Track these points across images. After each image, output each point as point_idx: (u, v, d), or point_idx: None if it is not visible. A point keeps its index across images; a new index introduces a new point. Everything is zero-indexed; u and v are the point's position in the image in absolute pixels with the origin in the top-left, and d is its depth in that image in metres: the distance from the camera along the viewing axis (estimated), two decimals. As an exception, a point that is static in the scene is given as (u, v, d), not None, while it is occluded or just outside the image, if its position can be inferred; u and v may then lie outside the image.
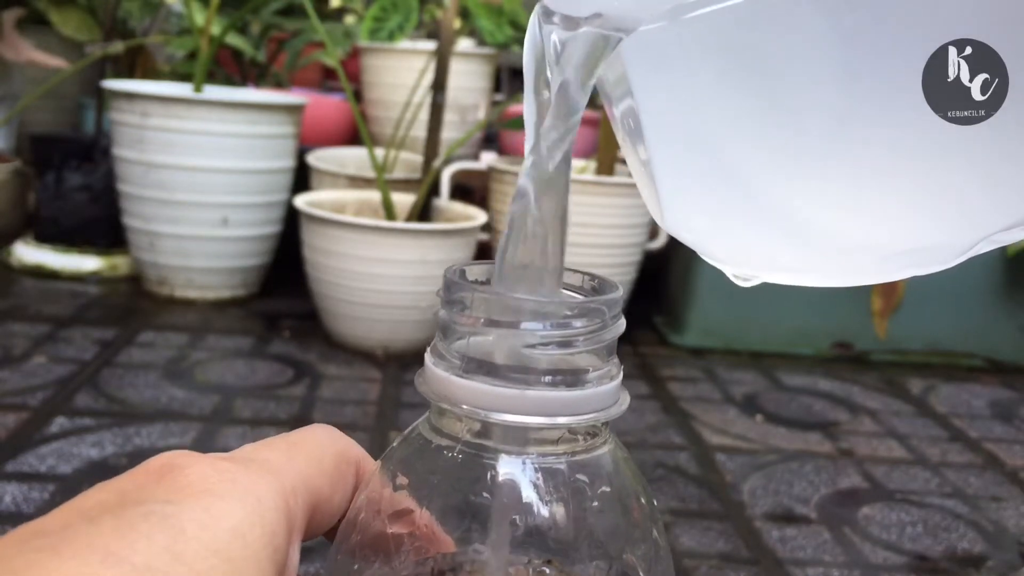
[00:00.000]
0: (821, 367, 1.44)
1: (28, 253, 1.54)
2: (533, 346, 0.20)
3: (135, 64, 1.74)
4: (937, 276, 1.49)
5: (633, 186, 1.38)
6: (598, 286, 0.22)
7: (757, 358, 1.45)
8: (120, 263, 1.55)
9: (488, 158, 1.50)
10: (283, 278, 1.53)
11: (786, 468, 1.06)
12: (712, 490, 0.99)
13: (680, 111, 0.20)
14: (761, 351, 1.47)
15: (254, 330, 1.36)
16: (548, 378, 0.20)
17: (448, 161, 1.42)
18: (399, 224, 1.26)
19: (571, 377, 0.20)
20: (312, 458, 0.21)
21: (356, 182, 1.50)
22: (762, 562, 0.86)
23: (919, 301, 1.47)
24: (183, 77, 1.70)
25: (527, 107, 0.21)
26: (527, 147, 0.21)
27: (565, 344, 0.20)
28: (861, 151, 0.20)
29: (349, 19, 2.17)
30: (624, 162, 1.52)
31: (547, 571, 0.20)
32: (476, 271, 0.22)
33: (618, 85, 0.21)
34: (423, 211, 1.35)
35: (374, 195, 1.40)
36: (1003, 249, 1.45)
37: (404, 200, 1.39)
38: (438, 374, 0.20)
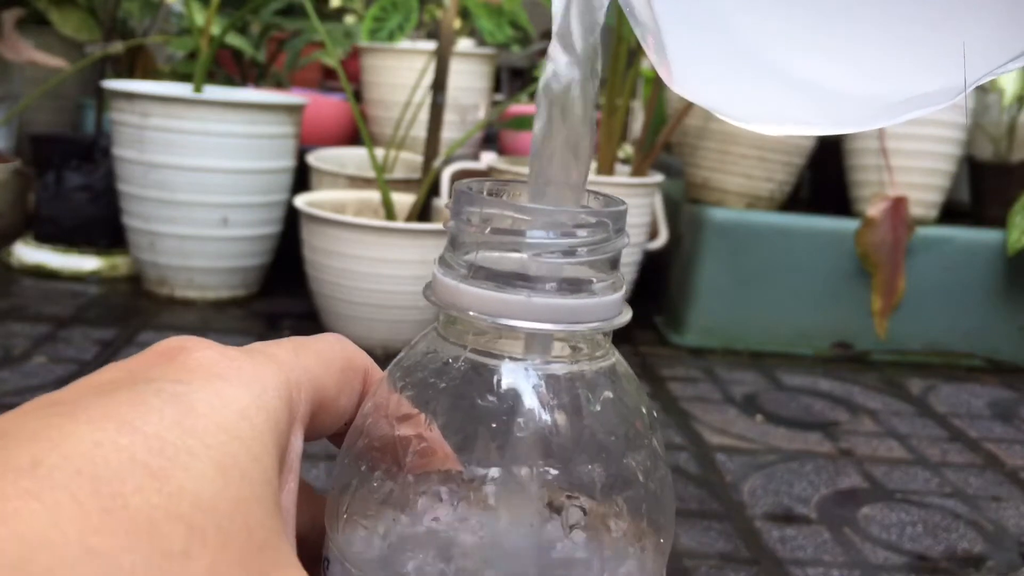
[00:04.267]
0: (821, 367, 1.44)
1: (28, 253, 1.54)
2: (538, 254, 0.20)
3: (135, 64, 1.74)
4: (937, 276, 1.48)
5: (633, 186, 1.38)
6: (603, 202, 0.23)
7: (757, 358, 1.45)
8: (120, 263, 1.55)
9: (488, 158, 1.50)
10: (283, 278, 1.53)
11: (786, 468, 1.06)
12: (712, 490, 0.99)
13: None
14: (761, 351, 1.47)
15: (254, 330, 1.36)
16: (552, 285, 0.20)
17: (448, 161, 1.42)
18: (399, 224, 1.26)
19: (575, 286, 0.21)
20: (319, 358, 0.22)
21: (356, 182, 1.50)
22: (762, 562, 0.86)
23: (919, 301, 1.47)
24: (183, 77, 1.70)
25: None
26: (554, 26, 0.21)
27: (569, 253, 0.20)
28: (867, 7, 0.20)
29: (349, 19, 2.17)
30: (624, 162, 1.52)
31: (550, 473, 0.21)
32: (485, 184, 0.22)
33: None
34: (423, 211, 1.35)
35: (374, 195, 1.40)
36: (1003, 249, 1.45)
37: (404, 200, 1.39)
38: (445, 282, 0.21)
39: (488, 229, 0.21)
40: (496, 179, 0.23)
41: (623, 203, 0.22)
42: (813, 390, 1.34)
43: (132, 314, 1.39)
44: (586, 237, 0.21)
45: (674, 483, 1.01)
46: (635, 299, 1.49)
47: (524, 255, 0.20)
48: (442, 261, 0.22)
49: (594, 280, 0.21)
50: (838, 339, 1.49)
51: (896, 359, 1.48)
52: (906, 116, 0.21)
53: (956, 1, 0.20)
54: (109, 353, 1.21)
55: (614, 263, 0.21)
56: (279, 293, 1.53)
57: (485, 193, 0.22)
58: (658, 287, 1.58)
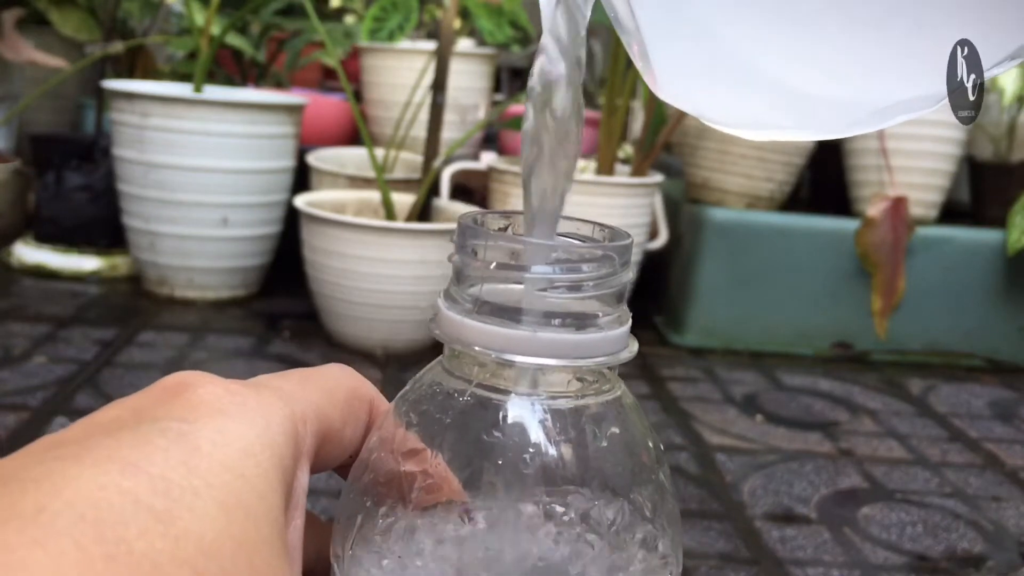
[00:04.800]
0: (821, 367, 1.44)
1: (28, 253, 1.54)
2: (544, 289, 0.20)
3: (135, 64, 1.74)
4: (937, 276, 1.48)
5: (633, 186, 1.38)
6: (608, 235, 0.22)
7: (757, 358, 1.45)
8: (120, 263, 1.55)
9: (488, 158, 1.50)
10: (283, 278, 1.53)
11: (786, 468, 1.06)
12: (712, 490, 0.99)
13: None
14: (761, 351, 1.47)
15: (254, 330, 1.36)
16: (558, 321, 0.20)
17: (448, 161, 1.42)
18: (399, 224, 1.26)
19: (581, 321, 0.21)
20: (324, 390, 0.22)
21: (356, 182, 1.50)
22: (762, 562, 0.86)
23: (919, 301, 1.47)
24: (183, 77, 1.70)
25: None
26: (545, 22, 0.21)
27: (575, 288, 0.20)
28: (851, 15, 0.20)
29: (349, 19, 2.17)
30: (624, 162, 1.52)
31: (557, 509, 0.21)
32: (490, 218, 0.22)
33: None
34: (423, 211, 1.35)
35: (374, 195, 1.40)
36: (1003, 249, 1.45)
37: (404, 200, 1.39)
38: (451, 317, 0.21)
39: (493, 264, 0.20)
40: (501, 211, 0.23)
41: (629, 236, 0.22)
42: (813, 390, 1.34)
43: (132, 314, 1.39)
44: (592, 272, 0.21)
45: (674, 483, 1.01)
46: (635, 299, 1.49)
47: (530, 289, 0.20)
48: (447, 295, 0.21)
49: (600, 314, 0.21)
50: (838, 339, 1.49)
51: (896, 359, 1.48)
52: (891, 121, 0.21)
53: (940, 8, 0.20)
54: (109, 353, 1.21)
55: (620, 296, 0.21)
56: (279, 293, 1.53)
57: (490, 227, 0.22)
58: (658, 287, 1.58)
